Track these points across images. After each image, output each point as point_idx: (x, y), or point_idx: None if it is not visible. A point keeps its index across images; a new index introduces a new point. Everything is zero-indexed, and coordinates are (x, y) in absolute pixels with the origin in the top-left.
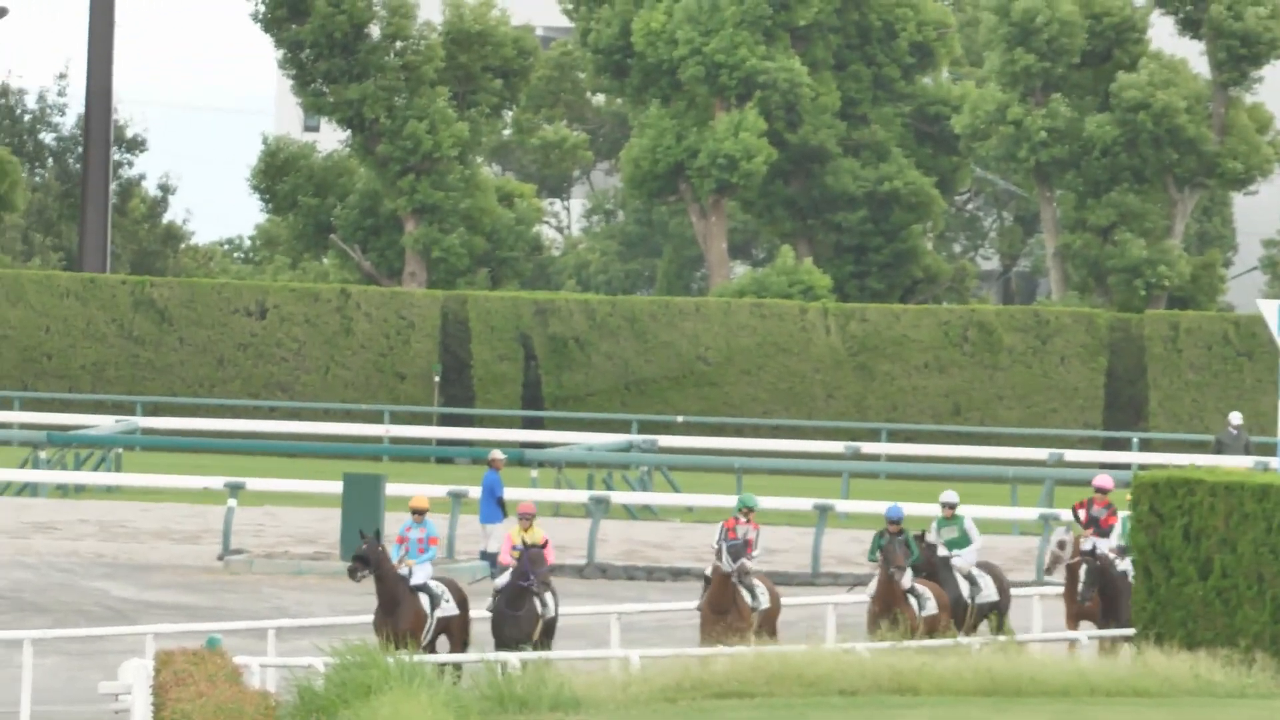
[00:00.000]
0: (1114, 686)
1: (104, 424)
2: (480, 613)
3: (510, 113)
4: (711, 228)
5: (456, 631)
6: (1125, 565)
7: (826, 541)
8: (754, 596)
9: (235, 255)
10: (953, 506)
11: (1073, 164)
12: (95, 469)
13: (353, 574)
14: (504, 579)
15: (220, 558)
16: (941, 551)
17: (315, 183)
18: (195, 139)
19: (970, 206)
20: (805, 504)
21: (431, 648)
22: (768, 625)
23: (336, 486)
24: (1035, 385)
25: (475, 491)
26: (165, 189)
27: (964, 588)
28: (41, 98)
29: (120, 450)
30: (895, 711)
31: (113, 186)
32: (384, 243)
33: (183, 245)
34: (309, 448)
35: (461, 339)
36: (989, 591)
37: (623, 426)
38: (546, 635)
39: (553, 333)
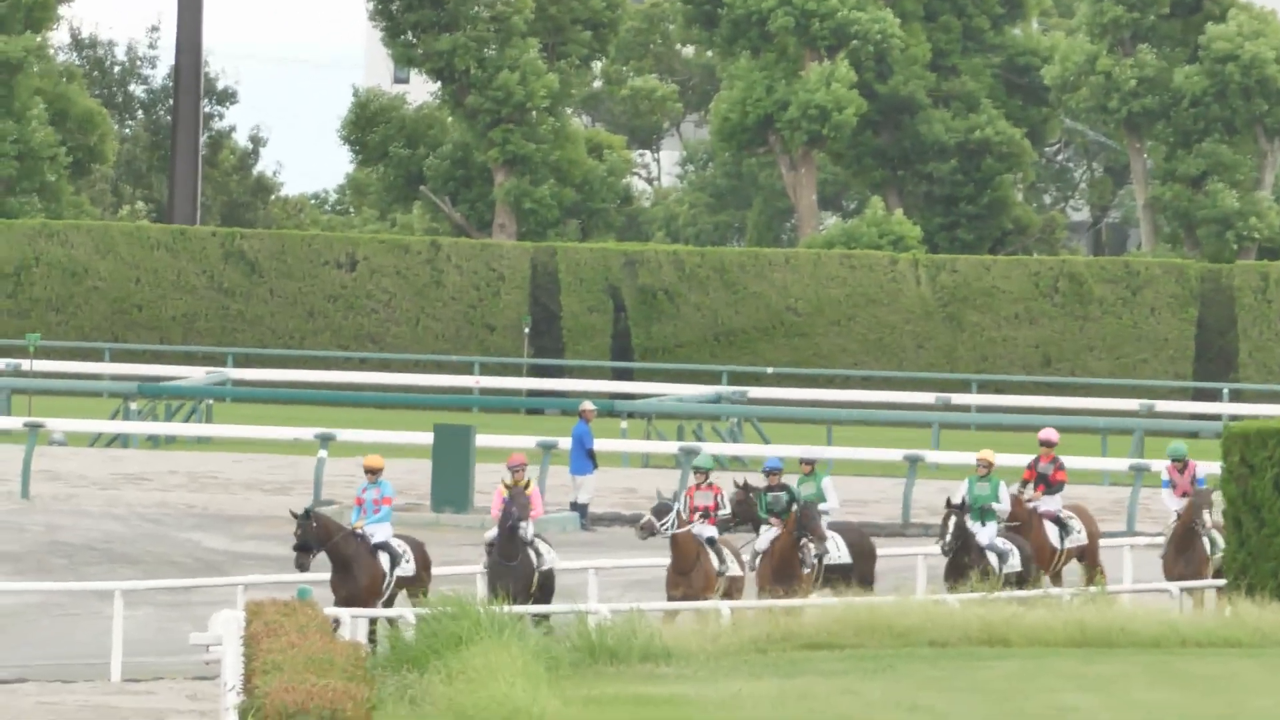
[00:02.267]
0: (1204, 638)
1: (195, 375)
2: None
3: (600, 64)
4: (801, 179)
5: (419, 590)
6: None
7: (917, 492)
8: (721, 560)
9: (324, 207)
10: (811, 464)
11: (1162, 115)
12: (186, 420)
13: (300, 566)
14: (492, 532)
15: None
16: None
17: (406, 134)
18: (285, 92)
19: (1060, 157)
20: (895, 455)
21: (390, 605)
22: (736, 593)
23: (427, 438)
24: (1125, 336)
25: (565, 443)
26: (255, 141)
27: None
28: (131, 50)
29: (211, 401)
30: (985, 663)
31: (203, 138)
32: (474, 194)
33: (272, 197)
34: (399, 399)
35: (551, 290)
36: (839, 554)
37: (712, 378)
38: (544, 589)
39: (642, 284)
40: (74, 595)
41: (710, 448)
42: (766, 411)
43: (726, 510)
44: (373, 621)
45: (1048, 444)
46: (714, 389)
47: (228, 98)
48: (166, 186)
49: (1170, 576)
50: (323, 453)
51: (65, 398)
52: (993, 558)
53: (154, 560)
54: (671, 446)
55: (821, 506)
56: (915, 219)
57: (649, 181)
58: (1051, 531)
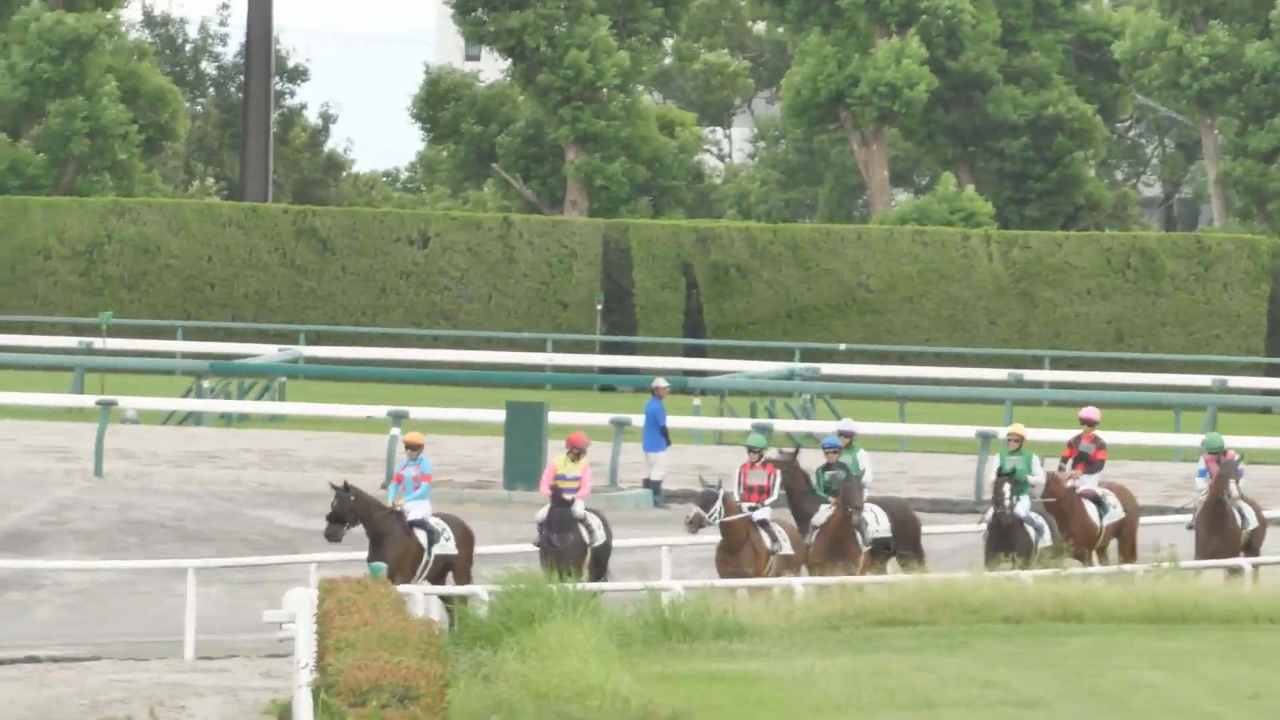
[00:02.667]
0: (1278, 613)
1: (267, 353)
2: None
3: (671, 41)
4: (873, 155)
5: (461, 569)
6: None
7: (989, 469)
8: (774, 539)
9: (395, 185)
10: (850, 436)
11: (1234, 90)
12: (259, 398)
13: (331, 537)
14: (543, 511)
15: (384, 486)
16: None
17: (477, 111)
18: (356, 69)
19: (1132, 133)
20: (968, 431)
21: (437, 584)
22: (790, 571)
23: (499, 415)
24: (1197, 312)
25: (638, 419)
26: (326, 118)
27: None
28: (203, 28)
29: (283, 379)
30: (1059, 639)
31: (274, 116)
32: (546, 171)
33: (344, 174)
34: (471, 376)
35: (623, 267)
36: (882, 526)
37: (785, 354)
38: (598, 564)
39: (714, 261)
40: (147, 573)
41: (782, 424)
42: (839, 388)
43: (775, 495)
44: (447, 599)
45: (1089, 422)
46: (786, 365)
47: (299, 75)
48: (238, 164)
49: (1204, 553)
50: (395, 430)
51: (138, 376)
52: (1030, 531)
53: (226, 538)
54: (744, 423)
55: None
56: (987, 195)
57: (720, 158)
58: (1091, 510)
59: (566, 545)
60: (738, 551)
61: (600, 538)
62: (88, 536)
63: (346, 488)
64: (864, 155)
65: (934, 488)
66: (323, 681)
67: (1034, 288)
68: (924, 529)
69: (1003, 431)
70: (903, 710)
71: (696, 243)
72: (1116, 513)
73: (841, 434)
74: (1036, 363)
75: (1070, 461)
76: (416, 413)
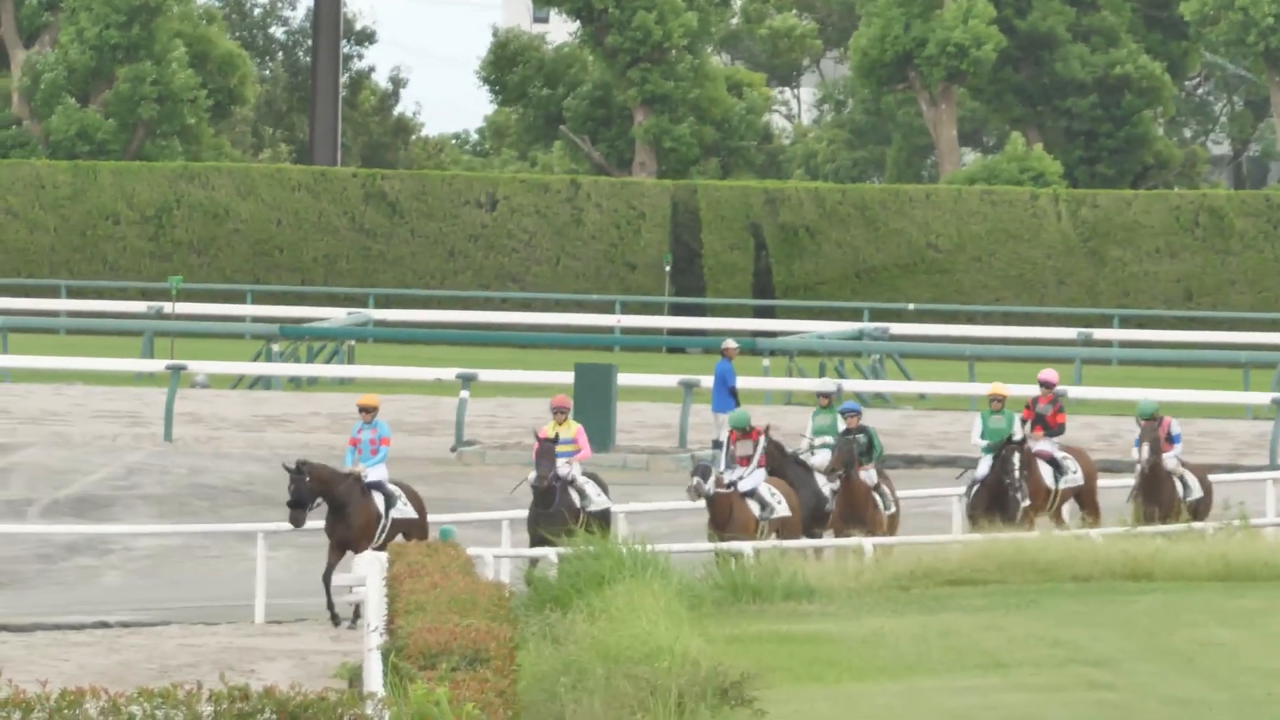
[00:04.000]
0: None
1: (336, 316)
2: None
3: (739, 2)
4: (941, 115)
5: (416, 535)
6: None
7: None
8: (763, 506)
9: (464, 148)
10: (829, 396)
11: None
12: (328, 361)
13: (295, 522)
14: (534, 474)
15: (453, 449)
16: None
17: (545, 74)
18: (424, 32)
19: (1200, 91)
20: (1036, 390)
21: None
22: (787, 533)
23: (568, 377)
24: (1267, 270)
25: (706, 381)
26: (395, 82)
27: (825, 485)
28: None
29: (353, 342)
30: (1128, 597)
31: (343, 79)
32: (614, 133)
33: (413, 138)
34: (540, 338)
35: (692, 228)
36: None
37: (854, 314)
38: (601, 530)
39: (783, 222)
40: (217, 537)
41: (852, 385)
42: (908, 348)
43: (755, 462)
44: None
45: (1047, 385)
46: (855, 326)
47: (366, 38)
48: (307, 128)
49: (1143, 522)
50: (464, 393)
51: (207, 340)
52: (1018, 495)
53: None
54: (813, 383)
55: (830, 440)
56: (1055, 154)
57: (789, 119)
58: (1046, 472)
59: (552, 514)
60: (723, 526)
61: (598, 503)
62: (157, 501)
63: (300, 469)
64: (932, 115)
65: None
66: (392, 644)
67: (1103, 247)
68: None
69: (1072, 391)
70: (972, 670)
71: (765, 204)
72: (1075, 477)
73: (820, 395)
74: (1105, 322)
75: (1028, 424)
76: (485, 375)
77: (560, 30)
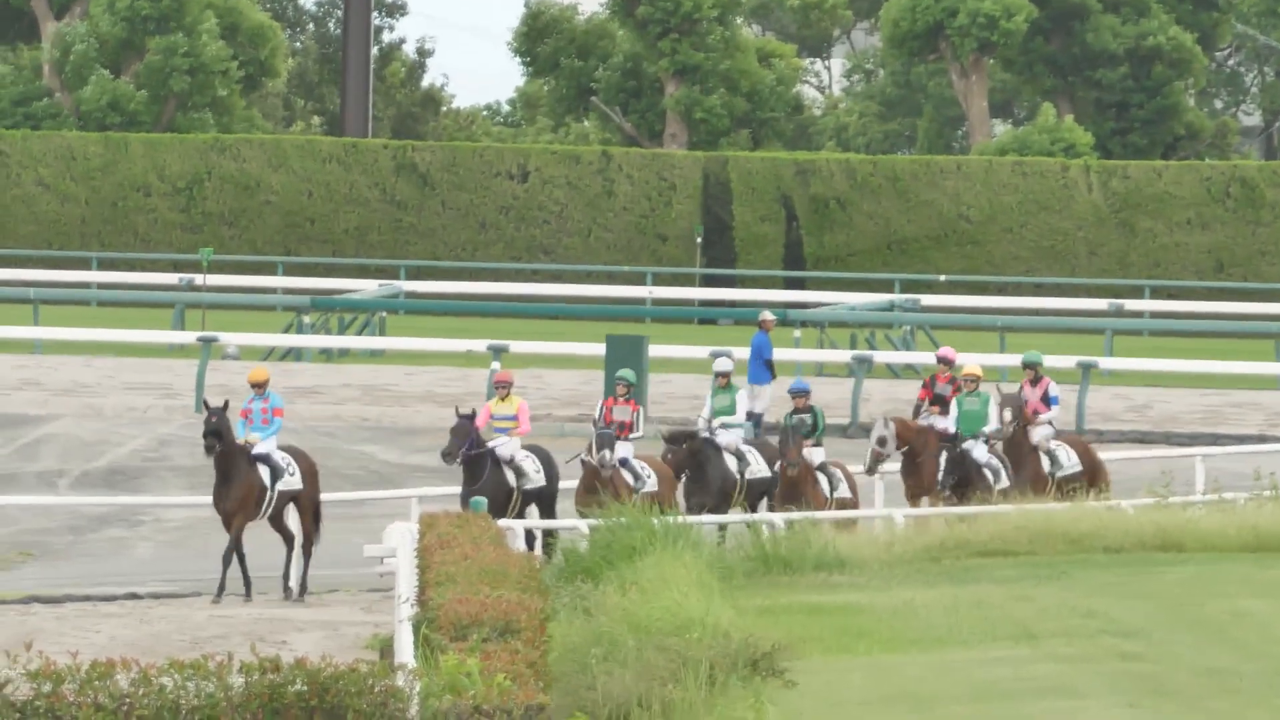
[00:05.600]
0: None
1: (367, 288)
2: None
3: None
4: (972, 86)
5: (306, 505)
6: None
7: (1090, 398)
8: (636, 477)
9: (495, 119)
10: (726, 375)
11: None
12: (359, 333)
13: (209, 450)
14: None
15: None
16: (722, 432)
17: (576, 45)
18: (453, 3)
19: (1231, 62)
20: (1069, 361)
21: (279, 520)
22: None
23: (599, 348)
24: None
25: (738, 352)
26: (423, 53)
27: (732, 464)
28: None
29: (384, 314)
30: (1159, 569)
31: (373, 51)
32: (645, 105)
33: (443, 109)
34: (571, 310)
35: (723, 200)
36: (759, 468)
37: (885, 286)
38: (542, 508)
39: (814, 193)
40: None
41: (882, 356)
42: (939, 319)
43: (640, 431)
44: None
45: (946, 362)
46: (887, 297)
47: (397, 10)
48: (338, 100)
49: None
50: (495, 364)
51: (238, 312)
52: (989, 475)
53: (327, 473)
54: (845, 355)
55: (730, 420)
56: (1086, 125)
57: (820, 90)
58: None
59: (478, 490)
60: (597, 493)
61: (535, 481)
62: (189, 473)
63: (225, 406)
64: (963, 86)
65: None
66: (423, 616)
67: (1134, 218)
68: None
69: (1103, 362)
70: (1003, 641)
71: (796, 175)
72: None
73: (718, 374)
74: (1136, 293)
75: (926, 402)
76: (516, 347)
77: (591, 1)
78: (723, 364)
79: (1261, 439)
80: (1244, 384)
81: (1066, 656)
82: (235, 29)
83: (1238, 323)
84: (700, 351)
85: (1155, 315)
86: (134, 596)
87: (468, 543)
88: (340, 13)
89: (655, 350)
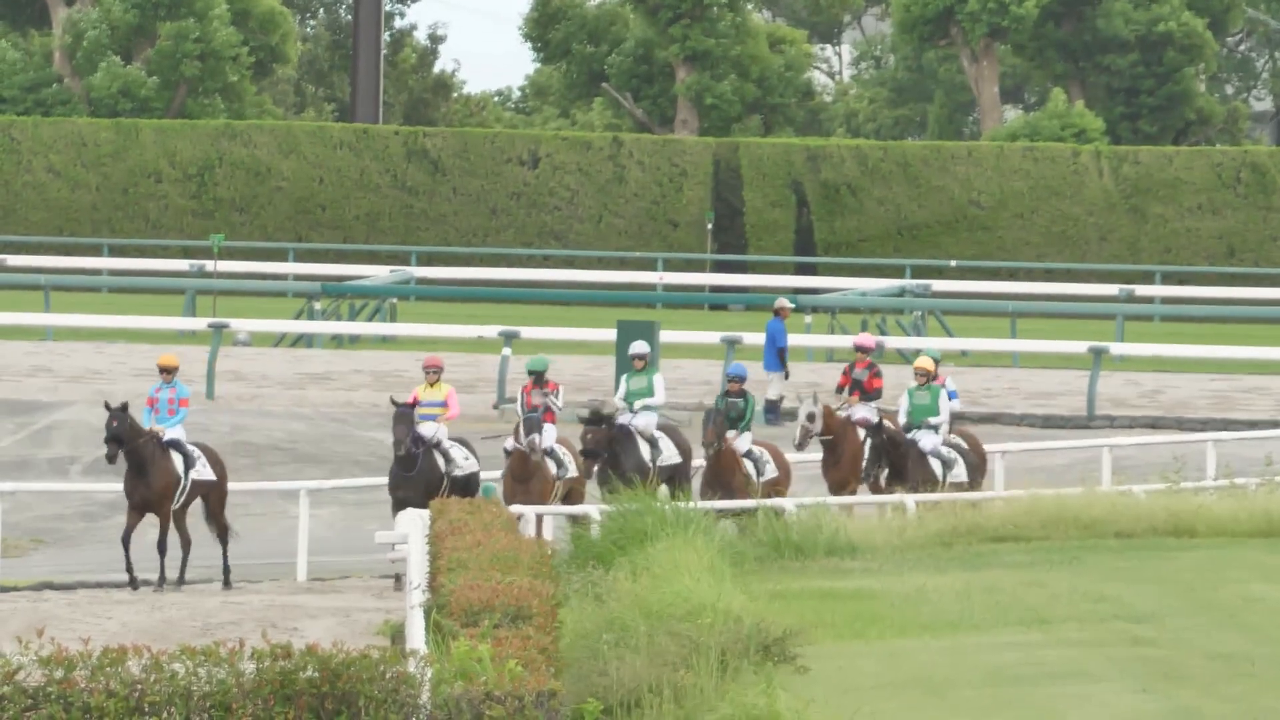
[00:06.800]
0: None
1: (378, 274)
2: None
3: None
4: (983, 72)
5: (214, 497)
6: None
7: (1101, 385)
8: (559, 465)
9: (505, 105)
10: (643, 358)
11: None
12: (370, 319)
13: (111, 459)
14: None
15: (495, 406)
16: (627, 418)
17: (587, 31)
18: None
19: (1242, 48)
20: (1079, 347)
21: (184, 511)
22: (575, 495)
23: (610, 334)
24: None
25: (749, 338)
26: (434, 39)
27: (645, 451)
28: None
29: (395, 300)
30: (1171, 554)
31: (384, 37)
32: (656, 90)
33: (454, 95)
34: (582, 295)
35: (734, 186)
36: (670, 454)
37: (895, 271)
38: (464, 492)
39: (825, 179)
40: (259, 495)
41: (893, 341)
42: (950, 305)
43: (560, 407)
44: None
45: (863, 349)
46: (897, 282)
47: None
48: (349, 86)
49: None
50: (506, 350)
51: (249, 298)
52: (936, 464)
53: (339, 460)
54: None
55: (650, 401)
56: (1097, 111)
57: (830, 76)
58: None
59: (412, 477)
60: (527, 482)
61: (465, 467)
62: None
63: (124, 408)
64: (974, 71)
65: (1046, 404)
66: (435, 602)
67: (1145, 203)
68: (1036, 444)
69: (1114, 347)
70: (1015, 626)
71: (807, 161)
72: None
73: (635, 357)
74: (1147, 278)
75: (845, 390)
76: (527, 332)
77: None
78: (638, 347)
79: (1273, 424)
80: (1255, 369)
81: (1078, 641)
82: (246, 14)
83: (1249, 308)
84: (711, 337)
85: (1166, 300)
86: (146, 583)
87: (479, 529)
88: None
89: (666, 336)
